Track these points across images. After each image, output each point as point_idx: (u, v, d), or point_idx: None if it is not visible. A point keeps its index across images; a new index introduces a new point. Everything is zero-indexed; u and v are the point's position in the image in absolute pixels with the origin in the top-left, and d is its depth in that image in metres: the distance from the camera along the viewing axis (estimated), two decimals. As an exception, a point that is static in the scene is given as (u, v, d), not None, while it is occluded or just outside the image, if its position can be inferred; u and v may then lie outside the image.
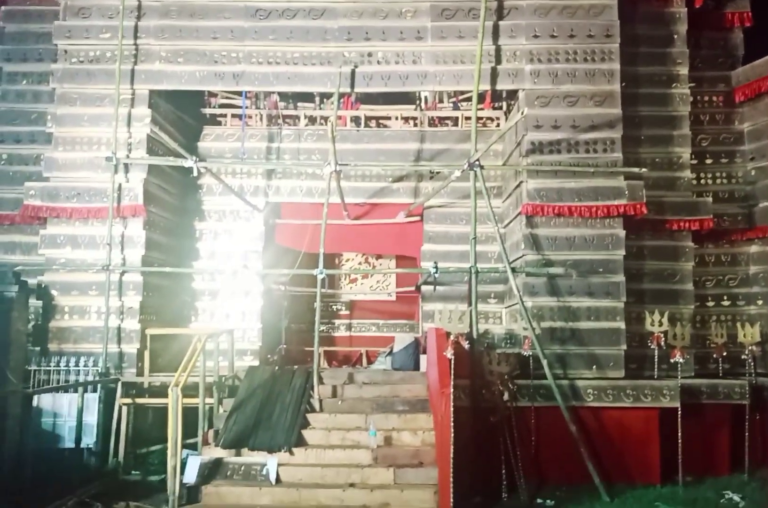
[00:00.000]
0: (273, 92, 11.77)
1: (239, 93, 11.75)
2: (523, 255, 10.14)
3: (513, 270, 9.90)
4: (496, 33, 10.58)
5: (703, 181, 11.51)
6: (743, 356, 9.88)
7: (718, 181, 11.60)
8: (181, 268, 11.15)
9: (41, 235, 10.46)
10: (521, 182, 10.36)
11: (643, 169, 10.18)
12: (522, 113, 9.99)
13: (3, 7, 11.41)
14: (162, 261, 10.89)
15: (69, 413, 9.40)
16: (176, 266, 11.07)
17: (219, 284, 11.42)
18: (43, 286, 10.25)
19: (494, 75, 10.60)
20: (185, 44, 10.64)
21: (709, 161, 11.60)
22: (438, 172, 11.48)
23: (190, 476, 8.07)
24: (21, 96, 11.44)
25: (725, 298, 11.29)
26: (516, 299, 9.73)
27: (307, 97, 11.96)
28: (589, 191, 10.15)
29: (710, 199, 10.85)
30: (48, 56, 11.06)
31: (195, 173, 10.31)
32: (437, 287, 10.98)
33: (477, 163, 10.03)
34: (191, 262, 11.48)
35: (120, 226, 10.44)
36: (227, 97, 12.01)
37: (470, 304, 9.94)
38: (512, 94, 11.27)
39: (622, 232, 10.10)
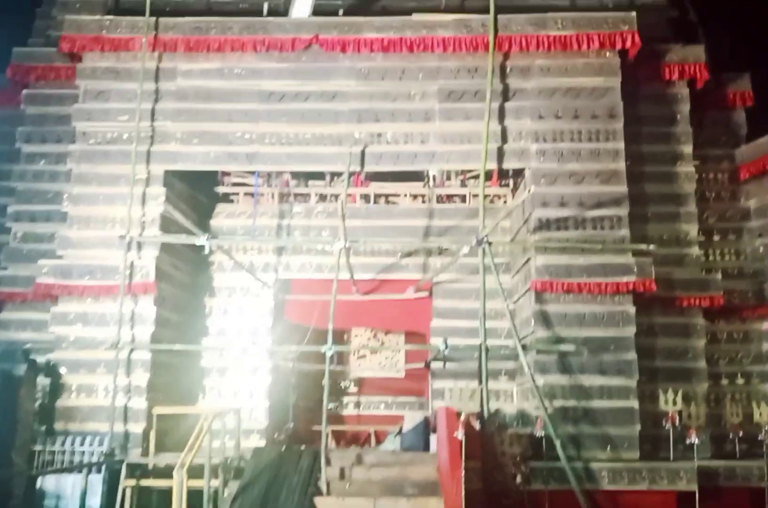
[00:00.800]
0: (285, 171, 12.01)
1: (252, 172, 11.98)
2: (534, 331, 10.10)
3: (523, 347, 9.83)
4: (502, 114, 10.85)
5: (711, 258, 11.54)
6: (760, 437, 9.63)
7: (727, 257, 11.63)
8: (190, 345, 11.11)
9: (52, 312, 10.53)
10: (529, 259, 10.42)
11: (651, 246, 10.21)
12: (529, 191, 10.15)
13: (25, 91, 11.79)
14: (171, 338, 10.86)
15: (72, 495, 9.24)
16: (185, 343, 11.03)
17: (227, 361, 11.34)
18: (51, 364, 10.22)
19: (501, 154, 10.82)
20: (201, 126, 10.95)
21: (717, 238, 11.68)
22: (447, 249, 11.55)
23: (194, 565, 7.84)
24: (38, 176, 11.69)
25: (739, 376, 11.12)
26: (527, 377, 9.63)
27: (318, 175, 12.20)
28: (598, 268, 10.18)
29: (720, 275, 10.83)
30: (67, 138, 11.34)
31: (207, 251, 10.40)
32: (447, 364, 10.90)
33: (485, 239, 10.10)
34: (200, 338, 11.45)
35: (131, 303, 10.50)
36: (240, 176, 12.25)
37: (480, 381, 9.84)
38: (519, 172, 11.44)
39: (632, 309, 10.09)
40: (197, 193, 11.92)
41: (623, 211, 10.42)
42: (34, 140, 11.74)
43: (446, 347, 10.12)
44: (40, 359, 9.99)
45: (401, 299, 11.89)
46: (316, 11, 11.15)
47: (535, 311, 10.14)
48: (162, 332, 10.67)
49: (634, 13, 10.72)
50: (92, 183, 10.84)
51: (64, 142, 11.40)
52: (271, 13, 11.46)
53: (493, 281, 10.09)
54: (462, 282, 11.53)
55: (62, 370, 10.27)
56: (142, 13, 10.91)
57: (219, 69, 11.04)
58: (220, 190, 12.26)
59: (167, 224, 10.86)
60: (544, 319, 10.09)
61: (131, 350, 10.31)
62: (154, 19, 10.93)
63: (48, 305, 10.77)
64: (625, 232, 10.39)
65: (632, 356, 9.89)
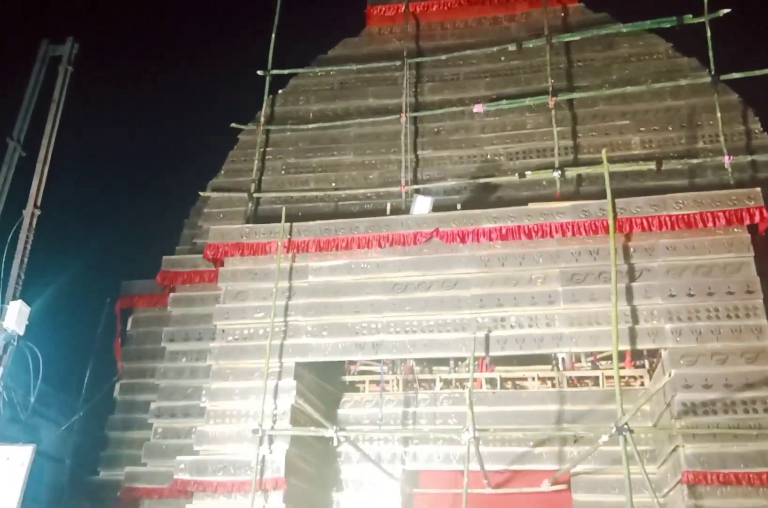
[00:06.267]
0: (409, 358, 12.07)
1: (378, 360, 12.11)
2: (693, 535, 9.09)
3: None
4: (629, 294, 10.59)
5: None
6: None
7: None
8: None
9: (187, 510, 10.55)
10: (677, 446, 9.63)
11: (813, 429, 9.28)
12: (669, 375, 9.55)
13: (172, 294, 12.87)
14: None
15: None
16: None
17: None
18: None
19: (633, 335, 10.41)
20: (329, 319, 11.36)
21: None
22: (582, 436, 10.90)
23: None
24: (179, 372, 12.33)
25: None
26: None
27: (442, 360, 12.17)
28: (757, 456, 9.27)
29: None
30: (207, 336, 12.07)
31: (335, 443, 10.35)
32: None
33: (625, 426, 9.45)
34: (329, 538, 11.09)
35: (261, 499, 10.37)
36: (366, 364, 12.43)
37: None
38: (654, 352, 10.97)
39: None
40: (325, 383, 12.10)
41: (776, 392, 9.64)
42: (177, 339, 12.54)
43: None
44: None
45: (537, 492, 11.15)
46: (435, 207, 11.75)
47: (689, 506, 9.17)
48: (290, 531, 10.40)
49: (758, 189, 10.61)
50: (229, 378, 11.26)
51: (204, 340, 12.12)
52: (393, 211, 12.25)
53: (638, 472, 9.28)
54: (603, 473, 10.72)
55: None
56: (278, 220, 11.90)
57: (347, 264, 11.64)
58: (347, 379, 12.43)
59: (297, 416, 10.97)
60: (701, 517, 9.11)
61: (263, 549, 10.07)
62: (289, 224, 11.89)
63: (183, 502, 10.82)
64: (781, 416, 9.53)
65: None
